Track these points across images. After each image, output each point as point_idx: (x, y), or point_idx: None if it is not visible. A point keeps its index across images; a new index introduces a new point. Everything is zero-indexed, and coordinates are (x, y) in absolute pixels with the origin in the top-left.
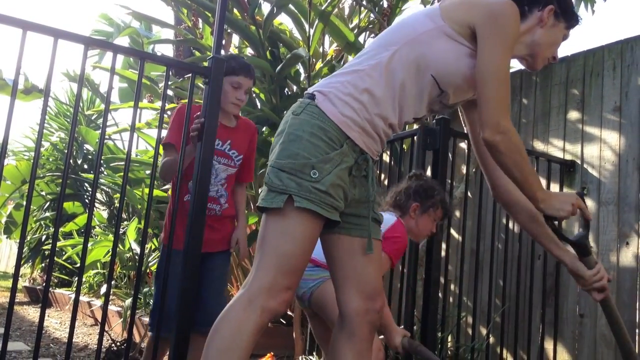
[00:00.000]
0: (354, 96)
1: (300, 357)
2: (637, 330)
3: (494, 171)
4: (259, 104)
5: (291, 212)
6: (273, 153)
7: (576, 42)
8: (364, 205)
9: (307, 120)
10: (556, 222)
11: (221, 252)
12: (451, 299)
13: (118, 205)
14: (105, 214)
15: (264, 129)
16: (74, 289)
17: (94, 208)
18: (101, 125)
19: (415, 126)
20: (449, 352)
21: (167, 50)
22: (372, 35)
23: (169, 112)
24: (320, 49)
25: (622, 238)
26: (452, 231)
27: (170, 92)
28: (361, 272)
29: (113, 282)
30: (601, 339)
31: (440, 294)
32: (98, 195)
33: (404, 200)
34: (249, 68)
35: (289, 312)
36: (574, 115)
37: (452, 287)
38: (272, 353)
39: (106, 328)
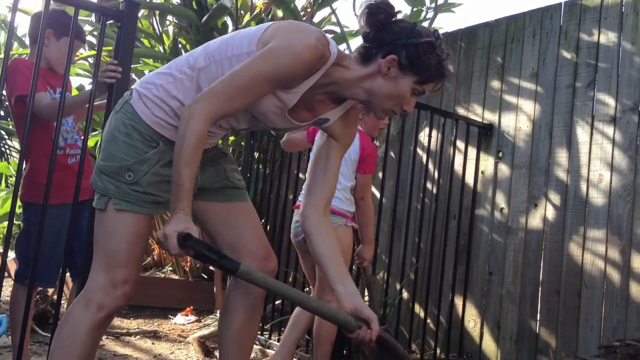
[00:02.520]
0: (164, 101)
1: (219, 311)
2: (540, 288)
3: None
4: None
5: (113, 212)
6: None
7: (504, 7)
8: (217, 179)
9: (122, 120)
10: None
11: (90, 200)
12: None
13: (19, 154)
14: None
15: None
16: None
17: (10, 157)
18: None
19: None
20: None
21: None
22: None
23: (90, 60)
24: (249, 1)
25: (531, 200)
26: (373, 189)
27: (92, 39)
28: (244, 235)
29: None
30: (507, 296)
31: None
32: (15, 144)
33: None
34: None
35: (211, 267)
36: (494, 80)
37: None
38: (192, 307)
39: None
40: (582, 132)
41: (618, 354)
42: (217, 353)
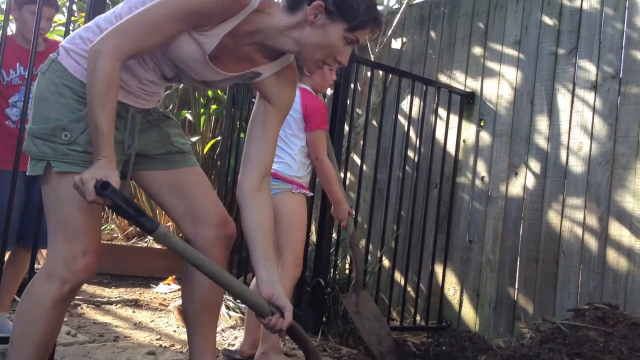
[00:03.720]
0: None
1: None
2: (519, 258)
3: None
4: None
5: (54, 177)
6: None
7: None
8: (160, 144)
9: (52, 79)
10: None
11: None
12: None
13: None
14: None
15: None
16: None
17: None
18: None
19: None
20: (342, 276)
21: None
22: None
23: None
24: None
25: (512, 169)
26: (355, 158)
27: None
28: (198, 203)
29: None
30: (486, 264)
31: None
32: None
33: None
34: None
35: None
36: (477, 47)
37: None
38: (174, 276)
39: None
40: (563, 100)
41: (587, 317)
42: None
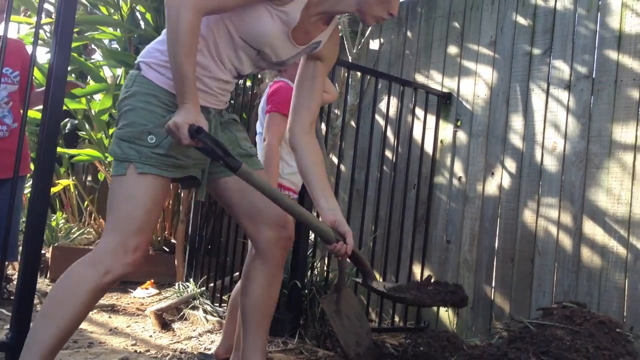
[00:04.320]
0: None
1: (178, 283)
2: (495, 257)
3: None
4: (142, 24)
5: (134, 177)
6: (116, 124)
7: None
8: (230, 147)
9: (138, 90)
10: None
11: (9, 180)
12: None
13: None
14: None
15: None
16: None
17: None
18: None
19: None
20: (319, 277)
21: None
22: None
23: (46, 28)
24: None
25: (488, 169)
26: (333, 158)
27: (50, 7)
28: (261, 205)
29: None
30: (464, 263)
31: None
32: None
33: None
34: None
35: (173, 240)
36: (453, 48)
37: None
38: (152, 280)
39: None
40: (537, 100)
41: (555, 316)
42: (174, 326)
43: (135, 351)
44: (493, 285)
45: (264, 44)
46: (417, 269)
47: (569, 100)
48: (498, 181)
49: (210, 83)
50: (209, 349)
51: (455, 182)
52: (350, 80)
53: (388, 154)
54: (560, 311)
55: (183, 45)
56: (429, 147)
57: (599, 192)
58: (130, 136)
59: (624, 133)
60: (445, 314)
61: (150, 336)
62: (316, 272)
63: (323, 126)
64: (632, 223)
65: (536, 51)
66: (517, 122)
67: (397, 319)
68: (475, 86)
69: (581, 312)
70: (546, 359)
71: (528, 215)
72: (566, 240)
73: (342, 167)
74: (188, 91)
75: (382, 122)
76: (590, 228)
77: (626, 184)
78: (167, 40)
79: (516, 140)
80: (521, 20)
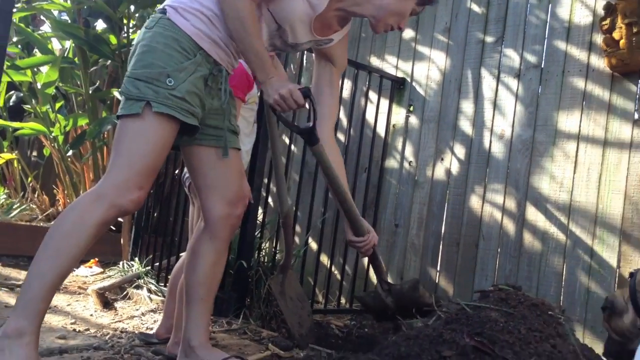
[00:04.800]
0: (201, 11)
1: (122, 262)
2: (441, 242)
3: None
4: None
5: (148, 117)
6: (129, 64)
7: None
8: (221, 116)
9: (160, 32)
10: (283, 114)
11: None
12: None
13: None
14: None
15: (96, 22)
16: None
17: None
18: None
19: None
20: (267, 258)
21: None
22: None
23: None
24: None
25: (438, 154)
26: (285, 139)
27: None
28: (222, 180)
29: None
30: (411, 247)
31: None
32: None
33: None
34: None
35: (119, 219)
36: (408, 33)
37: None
38: (96, 259)
39: None
40: (488, 88)
41: (491, 298)
42: (116, 305)
43: (74, 330)
44: (438, 268)
45: (288, 20)
46: None
47: (518, 89)
48: (447, 166)
49: (228, 41)
50: (152, 329)
51: (405, 166)
52: (305, 62)
53: (340, 136)
54: (497, 294)
55: (250, 32)
56: (381, 132)
57: (543, 180)
58: (147, 76)
59: (568, 122)
60: None
61: (91, 315)
62: (263, 253)
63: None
64: (573, 210)
65: (489, 39)
66: (467, 108)
67: (343, 300)
68: (429, 72)
69: (516, 295)
70: (480, 340)
71: (474, 201)
72: (510, 226)
73: (294, 148)
74: (269, 67)
75: None
76: (533, 214)
77: (568, 172)
78: (232, 28)
79: (466, 126)
80: (475, 8)
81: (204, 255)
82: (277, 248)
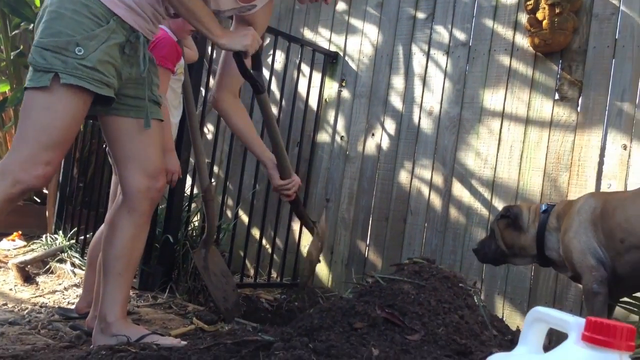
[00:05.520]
0: None
1: (46, 235)
2: (371, 216)
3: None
4: None
5: (57, 89)
6: (36, 32)
7: None
8: (141, 85)
9: None
10: (247, 60)
11: None
12: (214, 182)
13: None
14: None
15: None
16: None
17: None
18: None
19: None
20: (195, 232)
21: None
22: None
23: None
24: None
25: (369, 129)
26: (215, 111)
27: None
28: (142, 152)
29: None
30: (341, 222)
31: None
32: None
33: None
34: None
35: (44, 190)
36: (341, 6)
37: (217, 170)
38: (19, 232)
39: None
40: (418, 65)
41: (405, 271)
42: (38, 279)
43: None
44: (367, 243)
45: None
46: (296, 226)
47: (447, 66)
48: (378, 142)
49: (145, 6)
50: (74, 303)
51: (337, 140)
52: None
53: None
54: (411, 267)
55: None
56: (313, 105)
57: (469, 156)
58: (55, 46)
59: (493, 100)
60: (322, 271)
61: (11, 289)
62: (192, 227)
63: (205, 79)
64: (496, 186)
65: (420, 15)
66: (398, 84)
67: (274, 274)
68: (361, 46)
69: (429, 268)
70: (390, 312)
71: (404, 176)
72: (437, 201)
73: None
74: (216, 24)
75: (267, 77)
76: (459, 190)
77: (493, 149)
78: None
79: (397, 102)
80: None
81: (122, 228)
82: (205, 222)
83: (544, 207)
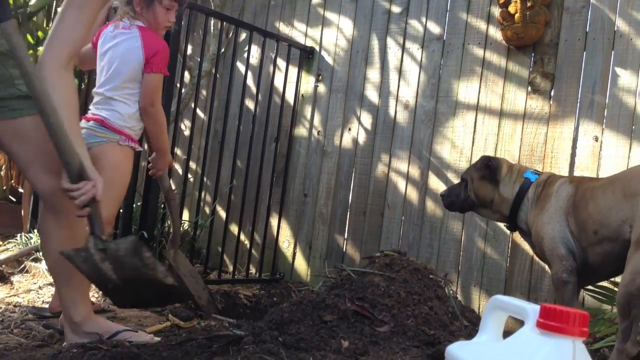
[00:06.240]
0: None
1: (21, 234)
2: (349, 211)
3: None
4: None
5: None
6: None
7: None
8: (3, 85)
9: None
10: None
11: None
12: (192, 178)
13: None
14: None
15: None
16: None
17: None
18: None
19: None
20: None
21: None
22: None
23: None
24: None
25: (346, 124)
26: (199, 111)
27: None
28: (44, 151)
29: None
30: (319, 217)
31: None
32: None
33: (127, 2)
34: None
35: (20, 189)
36: (318, 2)
37: (194, 166)
38: None
39: None
40: (393, 59)
41: (376, 264)
42: (13, 279)
43: None
44: (345, 237)
45: None
46: (274, 222)
47: (421, 61)
48: (354, 136)
49: None
50: (48, 302)
51: (314, 136)
52: (212, 28)
53: (250, 105)
54: (382, 259)
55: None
56: (290, 101)
57: (444, 150)
58: None
59: (467, 94)
60: (300, 265)
61: None
62: (167, 224)
63: (181, 74)
64: None
65: (395, 9)
66: (374, 78)
67: (253, 270)
68: (337, 40)
69: (400, 260)
70: (360, 304)
71: (380, 170)
72: (413, 195)
73: (202, 115)
74: None
75: (243, 72)
76: (435, 183)
77: (468, 142)
78: None
79: (373, 96)
80: None
81: (52, 235)
82: (182, 219)
83: (529, 174)
